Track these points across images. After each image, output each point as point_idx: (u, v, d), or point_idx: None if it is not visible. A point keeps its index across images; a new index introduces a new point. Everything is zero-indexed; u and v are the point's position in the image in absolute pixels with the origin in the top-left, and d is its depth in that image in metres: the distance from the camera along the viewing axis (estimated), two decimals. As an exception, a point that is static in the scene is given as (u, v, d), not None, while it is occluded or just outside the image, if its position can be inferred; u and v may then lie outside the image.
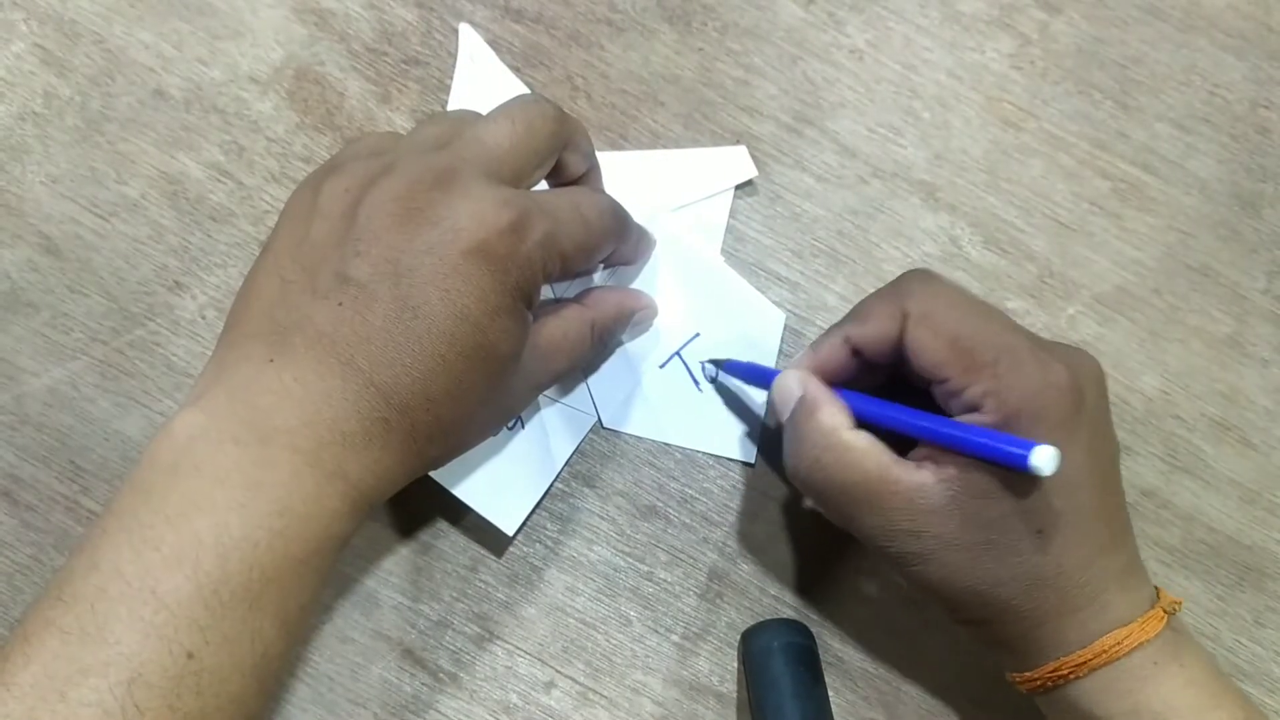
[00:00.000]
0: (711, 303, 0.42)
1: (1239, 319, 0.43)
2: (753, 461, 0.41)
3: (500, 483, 0.39)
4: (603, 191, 0.38)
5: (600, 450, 0.41)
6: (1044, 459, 0.29)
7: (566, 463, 0.41)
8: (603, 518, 0.41)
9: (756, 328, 0.42)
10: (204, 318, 0.42)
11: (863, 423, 0.34)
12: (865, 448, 0.33)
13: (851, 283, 0.43)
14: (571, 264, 0.34)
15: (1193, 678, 0.33)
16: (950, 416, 0.33)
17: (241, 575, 0.27)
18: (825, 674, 0.39)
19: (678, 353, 0.42)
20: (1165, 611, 0.33)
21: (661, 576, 0.41)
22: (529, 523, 0.40)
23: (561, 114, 0.35)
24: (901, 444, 0.33)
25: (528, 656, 0.40)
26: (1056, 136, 0.45)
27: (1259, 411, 0.43)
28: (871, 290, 0.42)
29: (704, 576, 0.41)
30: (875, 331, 0.34)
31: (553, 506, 0.41)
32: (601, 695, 0.40)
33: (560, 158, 0.35)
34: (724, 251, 0.43)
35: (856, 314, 0.35)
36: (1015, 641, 0.34)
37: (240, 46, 0.44)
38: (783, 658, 0.38)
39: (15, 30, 0.44)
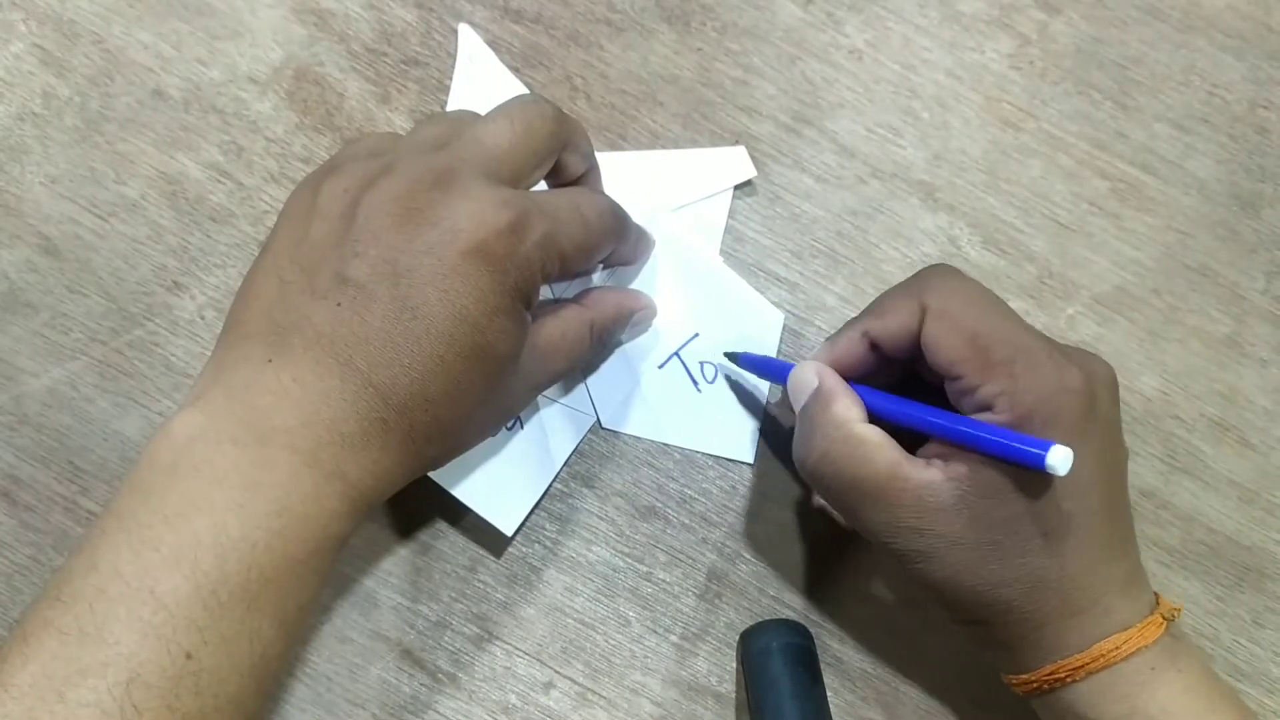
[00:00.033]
0: (710, 303, 0.42)
1: (1238, 319, 0.43)
2: (752, 462, 0.41)
3: (499, 483, 0.39)
4: (602, 192, 0.38)
5: (599, 450, 0.41)
6: (1060, 459, 0.29)
7: (565, 463, 0.41)
8: (601, 518, 0.41)
9: (755, 328, 0.42)
10: (203, 318, 0.42)
11: (876, 418, 0.34)
12: (877, 442, 0.33)
13: (850, 283, 0.43)
14: (570, 264, 0.34)
15: (1189, 684, 0.32)
16: (963, 415, 0.33)
17: (240, 575, 0.27)
18: (824, 674, 0.39)
19: (677, 353, 0.42)
20: (1164, 618, 0.33)
21: (660, 577, 0.41)
22: (528, 523, 0.40)
23: (560, 114, 0.35)
24: (912, 442, 0.33)
25: (526, 657, 0.40)
26: (1056, 137, 0.45)
27: (1258, 412, 0.43)
28: (870, 291, 0.42)
29: (703, 577, 0.41)
30: (894, 326, 0.34)
31: (551, 507, 0.41)
32: (600, 696, 0.40)
33: (559, 158, 0.35)
34: (723, 252, 0.43)
35: (875, 308, 0.35)
36: (1014, 643, 0.34)
37: (239, 47, 0.44)
38: (781, 658, 0.38)
39: (14, 30, 0.44)
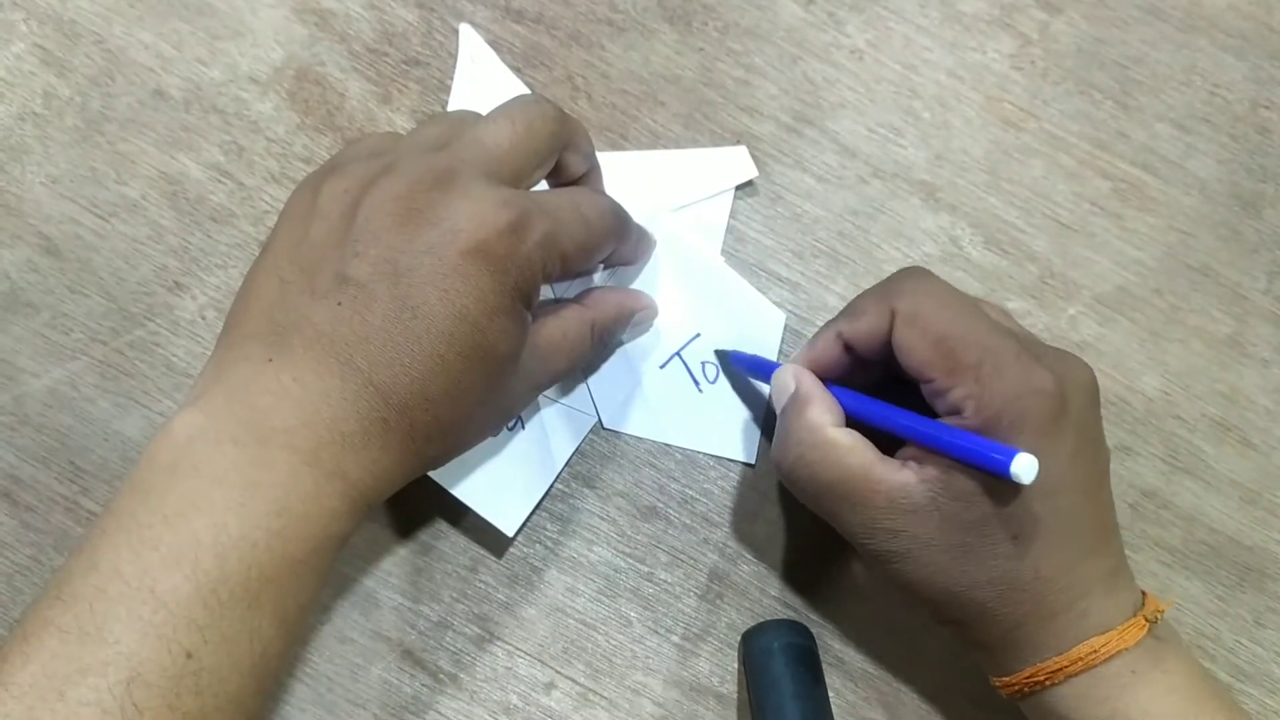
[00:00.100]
0: (712, 303, 0.42)
1: (1239, 319, 0.43)
2: (753, 462, 0.41)
3: (500, 483, 0.39)
4: (603, 192, 0.38)
5: (600, 451, 0.41)
6: (1024, 466, 0.29)
7: (566, 463, 0.41)
8: (603, 518, 0.41)
9: (757, 328, 0.42)
10: (204, 318, 0.42)
11: (854, 421, 0.34)
12: (849, 445, 0.33)
13: (852, 283, 0.43)
14: (571, 264, 0.34)
15: (1174, 685, 0.32)
16: (936, 416, 0.33)
17: (240, 575, 0.27)
18: (825, 674, 0.39)
19: (678, 353, 0.42)
20: (1146, 619, 0.33)
21: (662, 577, 0.40)
22: (529, 523, 0.40)
23: (561, 114, 0.35)
24: (896, 443, 0.33)
25: (528, 657, 0.40)
26: (1057, 137, 0.45)
27: (1259, 412, 0.43)
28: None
29: (704, 577, 0.41)
30: (866, 328, 0.34)
31: (553, 507, 0.41)
32: (601, 696, 0.40)
33: (560, 158, 0.35)
34: (724, 252, 0.43)
35: (850, 310, 0.36)
36: (993, 645, 0.34)
37: (240, 47, 0.44)
38: (783, 658, 0.38)
39: (15, 30, 0.44)
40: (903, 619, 0.40)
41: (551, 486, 0.40)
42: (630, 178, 0.43)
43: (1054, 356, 0.33)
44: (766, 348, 0.42)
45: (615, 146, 0.44)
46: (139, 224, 0.42)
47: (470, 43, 0.44)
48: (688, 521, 0.41)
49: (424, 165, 0.32)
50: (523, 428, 0.40)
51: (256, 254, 0.36)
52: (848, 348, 0.35)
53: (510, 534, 0.39)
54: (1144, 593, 0.34)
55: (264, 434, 0.29)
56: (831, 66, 0.45)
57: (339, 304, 0.30)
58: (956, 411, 0.32)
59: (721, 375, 0.42)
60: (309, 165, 0.43)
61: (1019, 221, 0.44)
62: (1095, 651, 0.32)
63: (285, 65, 0.44)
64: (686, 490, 0.41)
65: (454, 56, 0.44)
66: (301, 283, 0.31)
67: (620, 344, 0.42)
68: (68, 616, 0.26)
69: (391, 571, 0.40)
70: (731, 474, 0.41)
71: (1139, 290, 0.43)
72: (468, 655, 0.40)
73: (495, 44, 0.44)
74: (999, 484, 0.31)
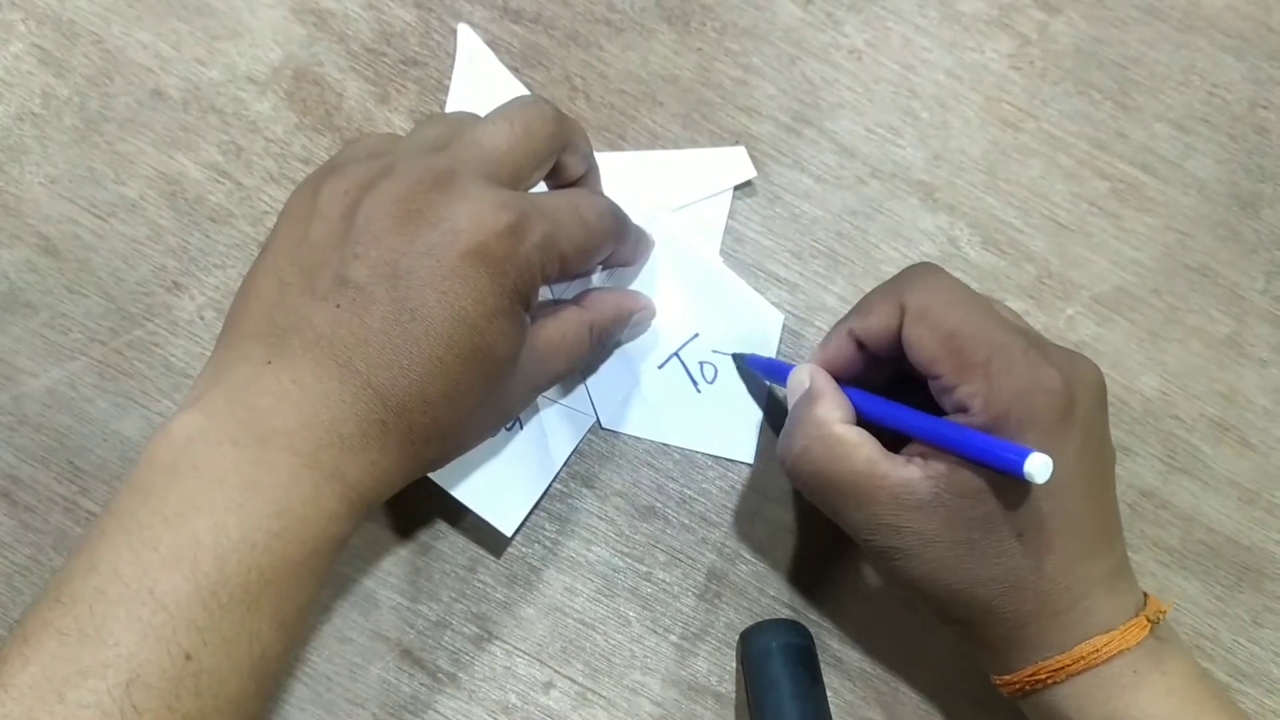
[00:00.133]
0: (710, 303, 0.42)
1: (1238, 319, 0.43)
2: (751, 462, 0.41)
3: (499, 483, 0.39)
4: (601, 193, 0.38)
5: (599, 451, 0.41)
6: (1038, 466, 0.29)
7: (565, 463, 0.41)
8: (601, 518, 0.41)
9: (755, 328, 0.42)
10: (202, 318, 0.42)
11: (865, 420, 0.34)
12: (855, 441, 0.33)
13: (850, 284, 0.43)
14: (570, 266, 0.34)
15: (1174, 686, 0.32)
16: (944, 413, 0.33)
17: (240, 576, 0.27)
18: (824, 674, 0.39)
19: (676, 353, 0.42)
20: (1148, 619, 0.33)
21: (660, 577, 0.41)
22: (527, 523, 0.40)
23: (560, 115, 0.35)
24: (904, 442, 0.34)
25: (526, 657, 0.40)
26: (1055, 137, 0.45)
27: (1258, 412, 0.43)
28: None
29: (702, 577, 0.41)
30: (876, 325, 0.34)
31: (551, 507, 0.41)
32: (600, 695, 0.40)
33: (559, 159, 0.35)
34: (723, 252, 0.43)
35: (860, 307, 0.36)
36: (996, 643, 0.34)
37: (239, 47, 0.44)
38: (781, 658, 0.38)
39: (13, 30, 0.44)
40: (902, 619, 0.41)
41: (550, 486, 0.41)
42: (628, 178, 0.43)
43: (1062, 355, 0.34)
44: (765, 348, 0.42)
45: (613, 147, 0.44)
46: (137, 224, 0.42)
47: (468, 43, 0.44)
48: (686, 521, 0.41)
49: (423, 166, 0.32)
50: (521, 428, 0.40)
51: (255, 254, 0.36)
52: (860, 345, 0.35)
53: (509, 534, 0.39)
54: (1145, 593, 0.34)
55: (264, 435, 0.29)
56: (830, 66, 0.45)
57: (338, 306, 0.30)
58: (964, 408, 0.32)
59: (720, 375, 0.42)
60: (307, 165, 0.43)
61: (1017, 221, 0.44)
62: (1097, 651, 0.32)
63: (284, 65, 0.44)
64: (685, 490, 0.41)
65: (452, 56, 0.44)
66: (301, 284, 0.31)
67: (619, 344, 0.42)
68: (67, 618, 0.26)
69: (390, 571, 0.40)
70: (730, 474, 0.41)
71: (1137, 290, 0.44)
72: (466, 655, 0.40)
73: (493, 44, 0.44)
74: (1005, 481, 0.31)
